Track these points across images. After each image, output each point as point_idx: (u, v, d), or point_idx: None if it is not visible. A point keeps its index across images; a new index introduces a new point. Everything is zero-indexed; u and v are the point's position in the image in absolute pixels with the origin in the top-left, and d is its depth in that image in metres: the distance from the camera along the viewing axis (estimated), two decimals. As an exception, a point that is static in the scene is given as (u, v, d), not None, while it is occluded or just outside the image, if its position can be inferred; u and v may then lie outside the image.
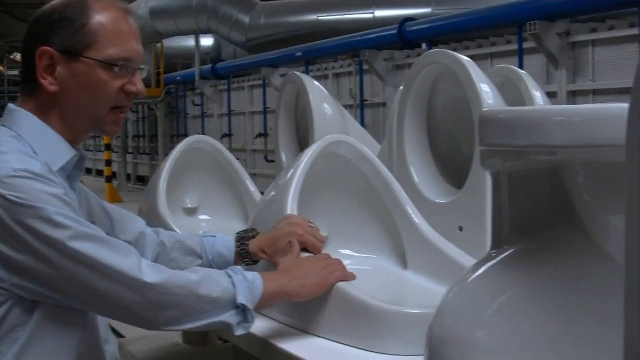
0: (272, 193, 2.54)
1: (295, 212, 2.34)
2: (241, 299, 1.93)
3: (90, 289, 1.83)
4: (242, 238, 2.33)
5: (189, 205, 3.46)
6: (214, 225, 3.39)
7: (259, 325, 2.29)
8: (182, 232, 2.98)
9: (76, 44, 1.97)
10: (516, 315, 1.36)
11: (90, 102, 2.01)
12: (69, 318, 1.91)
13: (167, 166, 3.27)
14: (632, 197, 0.91)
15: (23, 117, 1.99)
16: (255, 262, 2.32)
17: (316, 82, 3.56)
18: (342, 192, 2.56)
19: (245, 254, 2.31)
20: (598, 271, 1.32)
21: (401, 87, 3.00)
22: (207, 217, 3.46)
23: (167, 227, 3.03)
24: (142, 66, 2.07)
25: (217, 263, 2.30)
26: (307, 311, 2.17)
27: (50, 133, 1.99)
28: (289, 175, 2.44)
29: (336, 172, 2.54)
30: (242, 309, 1.94)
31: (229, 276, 1.97)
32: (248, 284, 1.96)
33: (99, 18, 1.99)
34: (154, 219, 3.18)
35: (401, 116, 2.92)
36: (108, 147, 20.10)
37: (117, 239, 1.95)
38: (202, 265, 2.29)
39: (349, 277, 2.12)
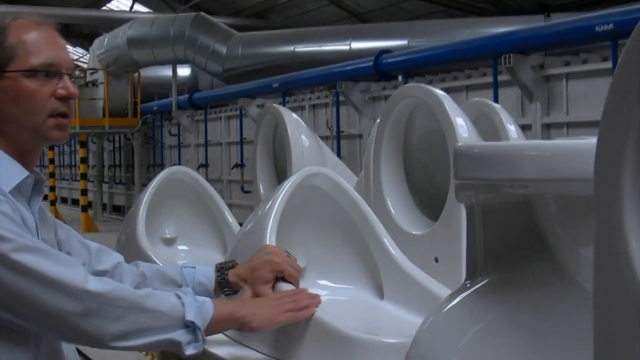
0: (251, 224, 2.57)
1: (273, 243, 2.37)
2: (190, 317, 1.93)
3: (33, 302, 1.83)
4: (222, 268, 2.34)
5: (168, 236, 3.49)
6: (193, 255, 3.42)
7: (236, 354, 2.32)
8: (161, 262, 3.01)
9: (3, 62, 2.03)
10: (490, 344, 1.40)
11: (25, 115, 2.01)
12: (17, 338, 1.90)
13: (146, 196, 3.29)
14: (600, 230, 0.95)
15: None
16: (235, 292, 2.32)
17: (294, 114, 3.60)
18: (320, 223, 2.60)
19: (225, 283, 2.31)
20: (569, 300, 1.37)
21: (378, 120, 3.05)
22: (186, 247, 3.49)
23: (146, 257, 3.05)
24: (71, 71, 2.07)
25: (198, 292, 2.25)
26: (285, 340, 2.20)
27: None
28: (267, 206, 2.47)
29: (314, 203, 2.57)
30: (192, 328, 1.94)
31: (178, 296, 1.98)
32: (198, 304, 1.98)
33: (16, 34, 2.03)
34: (132, 249, 3.20)
35: (378, 149, 2.96)
36: (84, 176, 20.06)
37: (63, 253, 1.98)
38: None
39: (300, 316, 2.12)
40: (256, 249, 2.39)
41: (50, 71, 2.02)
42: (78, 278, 1.85)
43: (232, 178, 16.12)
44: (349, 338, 2.04)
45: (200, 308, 1.97)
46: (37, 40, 2.04)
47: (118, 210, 22.75)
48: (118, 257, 2.37)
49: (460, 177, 1.45)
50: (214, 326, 2.01)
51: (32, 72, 2.01)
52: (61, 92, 2.02)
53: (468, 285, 1.50)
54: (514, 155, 1.35)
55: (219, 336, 2.31)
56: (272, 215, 2.41)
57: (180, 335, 1.93)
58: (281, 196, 2.45)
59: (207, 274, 2.33)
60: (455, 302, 1.50)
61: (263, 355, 2.26)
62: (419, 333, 1.53)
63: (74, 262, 1.93)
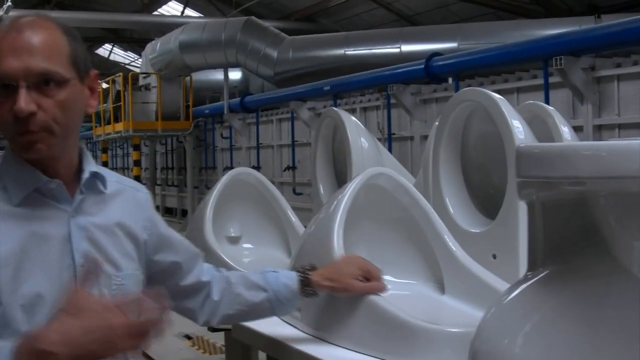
0: (318, 222, 2.69)
1: (341, 240, 2.48)
2: None
3: None
4: (304, 269, 2.41)
5: (233, 234, 3.62)
6: (257, 253, 3.55)
7: (294, 337, 2.47)
8: (228, 259, 3.15)
9: None
10: (550, 332, 1.50)
11: (4, 134, 1.96)
12: None
13: (212, 196, 3.43)
14: None
15: (4, 154, 2.04)
16: (315, 293, 2.40)
17: (353, 117, 3.71)
18: (383, 221, 2.72)
19: (307, 283, 2.38)
20: (623, 290, 1.46)
21: (436, 123, 3.16)
22: (250, 246, 3.62)
23: (214, 255, 3.20)
24: (34, 80, 1.89)
25: (283, 294, 2.37)
26: (351, 330, 2.32)
27: (17, 163, 1.99)
28: (334, 205, 2.60)
29: (377, 202, 2.69)
30: None
31: None
32: None
33: None
34: (200, 247, 3.33)
35: (437, 150, 3.07)
36: (137, 178, 20.28)
37: None
38: (267, 298, 2.37)
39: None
40: (324, 246, 2.51)
41: (7, 85, 1.89)
42: None
43: (283, 180, 16.21)
44: (414, 328, 2.16)
45: None
46: None
47: (170, 212, 22.97)
48: (210, 266, 2.43)
49: (522, 175, 1.55)
50: None
51: None
52: (14, 109, 1.87)
53: (529, 277, 1.60)
54: (571, 155, 1.44)
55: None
56: (339, 213, 2.53)
57: None
58: (347, 195, 2.58)
59: (290, 276, 2.40)
60: (517, 292, 1.60)
61: (331, 344, 2.38)
62: (483, 322, 1.62)
63: None
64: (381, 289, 2.35)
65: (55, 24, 2.00)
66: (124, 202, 2.16)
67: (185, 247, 2.33)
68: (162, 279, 2.25)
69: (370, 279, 2.37)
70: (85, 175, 2.05)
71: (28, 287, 1.92)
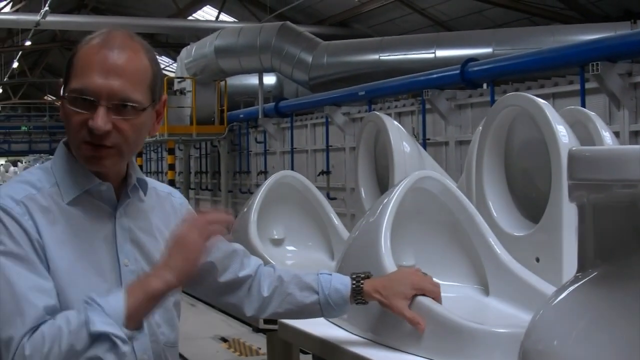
0: (365, 225, 2.73)
1: (388, 243, 2.52)
2: (97, 327, 1.86)
3: None
4: (358, 277, 2.41)
5: (276, 237, 3.67)
6: (300, 256, 3.60)
7: (343, 339, 2.50)
8: (273, 261, 3.19)
9: (63, 80, 2.06)
10: (601, 332, 1.53)
11: (68, 137, 2.07)
12: None
13: (257, 199, 3.49)
14: None
15: (57, 149, 2.14)
16: (366, 302, 2.40)
17: (395, 122, 3.75)
18: (429, 224, 2.75)
19: (359, 292, 2.39)
20: None
21: (480, 128, 3.19)
22: (293, 248, 3.67)
23: (259, 257, 3.24)
24: (114, 102, 2.00)
25: (334, 299, 2.39)
26: (398, 329, 2.35)
27: (71, 161, 2.09)
28: (380, 208, 2.64)
29: (423, 205, 2.73)
30: (106, 335, 1.86)
31: (81, 314, 1.89)
32: (103, 307, 1.88)
33: (78, 54, 2.04)
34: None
35: (480, 155, 3.10)
36: (171, 182, 20.43)
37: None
38: (318, 300, 2.40)
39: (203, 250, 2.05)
40: (371, 249, 2.54)
41: (86, 99, 1.99)
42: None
43: (318, 185, 16.18)
44: (462, 328, 2.19)
45: (107, 310, 1.88)
46: (85, 63, 2.01)
47: (204, 216, 23.03)
48: (258, 260, 2.49)
49: (573, 178, 1.58)
50: (137, 313, 1.93)
51: (72, 96, 2.01)
52: (90, 123, 1.98)
53: (579, 277, 1.63)
54: (622, 159, 1.47)
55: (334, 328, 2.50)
56: (386, 216, 2.57)
57: (100, 350, 1.86)
58: (394, 199, 2.62)
59: (343, 281, 2.41)
60: (567, 293, 1.63)
61: (379, 345, 2.42)
62: (533, 322, 1.65)
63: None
64: (420, 323, 2.29)
65: (143, 46, 2.09)
66: (162, 208, 2.27)
67: (220, 246, 2.36)
68: (198, 278, 2.29)
69: (427, 295, 2.36)
70: (133, 181, 2.15)
71: (83, 282, 2.01)
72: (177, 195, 2.37)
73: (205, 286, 2.40)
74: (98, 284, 2.02)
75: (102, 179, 2.09)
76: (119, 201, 2.13)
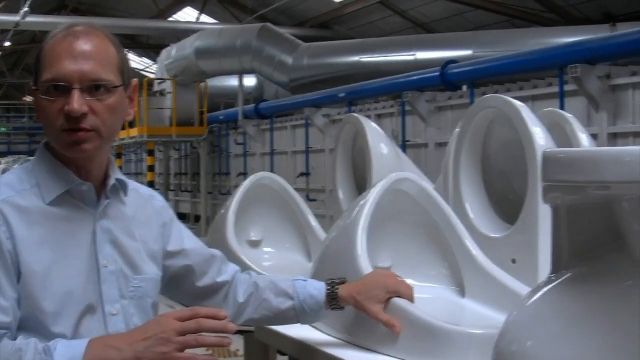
0: (341, 227, 2.73)
1: (364, 244, 2.52)
2: None
3: None
4: (333, 282, 2.42)
5: (254, 238, 3.67)
6: (277, 258, 3.59)
7: (319, 341, 2.50)
8: (250, 263, 3.19)
9: (34, 76, 2.09)
10: (574, 332, 1.53)
11: (45, 129, 2.08)
12: None
13: (235, 200, 3.48)
14: None
15: (38, 150, 2.17)
16: (342, 308, 2.42)
17: (373, 123, 3.75)
18: (405, 225, 2.75)
19: (334, 297, 2.40)
20: None
21: (457, 129, 3.19)
22: (271, 250, 3.66)
23: (236, 258, 3.24)
24: (87, 84, 2.03)
25: (309, 304, 2.41)
26: (369, 328, 2.35)
27: (52, 162, 2.11)
28: (357, 210, 2.64)
29: (400, 207, 2.73)
30: None
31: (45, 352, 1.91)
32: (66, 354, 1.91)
33: (44, 48, 2.07)
34: (221, 250, 3.39)
35: (457, 156, 3.11)
36: (151, 184, 20.38)
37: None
38: (293, 306, 2.41)
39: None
40: (347, 251, 2.54)
41: (59, 86, 2.03)
42: None
43: (297, 186, 16.20)
44: (437, 329, 2.19)
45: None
46: (53, 54, 2.05)
47: (183, 217, 22.97)
48: (235, 267, 2.50)
49: (547, 179, 1.59)
50: None
51: (44, 87, 2.04)
52: (65, 108, 2.01)
53: (553, 278, 1.63)
54: (596, 160, 1.48)
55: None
56: (362, 218, 2.57)
57: None
58: (371, 200, 2.62)
59: (318, 287, 2.42)
60: (541, 293, 1.63)
61: (353, 345, 2.42)
62: (507, 323, 1.65)
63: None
64: (396, 326, 2.30)
65: (106, 34, 2.14)
66: (142, 210, 2.27)
67: (199, 251, 2.40)
68: (176, 281, 2.36)
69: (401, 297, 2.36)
70: (112, 181, 2.16)
71: (59, 284, 2.02)
72: (158, 198, 2.39)
73: (182, 290, 2.41)
74: (76, 285, 2.04)
75: (82, 178, 2.10)
76: (99, 202, 2.13)
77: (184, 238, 2.38)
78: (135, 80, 2.22)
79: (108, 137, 2.10)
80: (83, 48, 2.05)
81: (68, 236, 2.07)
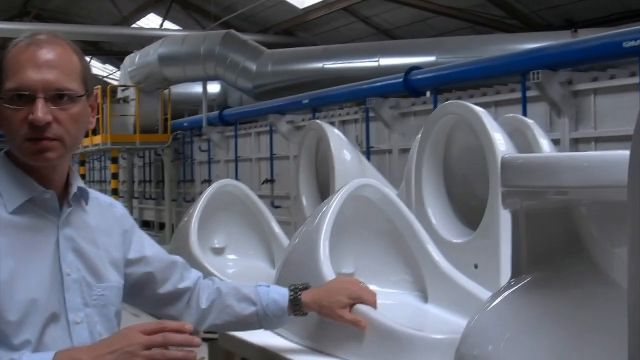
0: (304, 234, 2.74)
1: (327, 251, 2.52)
2: None
3: None
4: (296, 289, 2.43)
5: (217, 245, 3.66)
6: (241, 265, 3.59)
7: (283, 347, 2.51)
8: (213, 270, 3.18)
9: None
10: (534, 336, 1.55)
11: (8, 139, 2.06)
12: None
13: (198, 208, 3.48)
14: (634, 231, 1.10)
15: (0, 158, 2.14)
16: (305, 314, 2.43)
17: (336, 130, 3.76)
18: (368, 231, 2.77)
19: (297, 303, 2.41)
20: (605, 296, 1.51)
21: (419, 135, 3.21)
22: (234, 257, 3.66)
23: (200, 266, 3.24)
24: (51, 94, 2.03)
25: (272, 310, 2.42)
26: (333, 334, 2.36)
27: (13, 171, 2.09)
28: (319, 216, 2.64)
29: (362, 213, 2.74)
30: None
31: None
32: None
33: (7, 57, 2.06)
34: (185, 258, 3.38)
35: (419, 162, 3.12)
36: (115, 191, 20.30)
37: None
38: (256, 312, 2.42)
39: None
40: (310, 257, 2.55)
41: (23, 95, 2.01)
42: None
43: (262, 193, 16.18)
44: (398, 334, 2.21)
45: None
46: (16, 63, 2.04)
47: (148, 225, 22.90)
48: (197, 273, 2.49)
49: (506, 185, 1.60)
50: None
51: (8, 96, 2.02)
52: (29, 117, 2.00)
53: (513, 283, 1.65)
54: (555, 165, 1.50)
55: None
56: (325, 224, 2.58)
57: None
58: (333, 206, 2.62)
59: (281, 293, 2.43)
60: (501, 298, 1.65)
61: (318, 352, 2.42)
62: (468, 328, 1.67)
63: None
64: (362, 321, 2.32)
65: (69, 43, 2.13)
66: (103, 218, 2.27)
67: (160, 257, 2.39)
68: (137, 289, 2.35)
69: (365, 303, 2.38)
70: (74, 189, 2.15)
71: (23, 294, 2.00)
72: (118, 206, 2.38)
73: (144, 297, 2.41)
74: (40, 294, 2.02)
75: (44, 186, 2.09)
76: (61, 210, 2.13)
77: (145, 245, 2.37)
78: (96, 89, 2.22)
79: (71, 146, 2.10)
80: (47, 57, 2.05)
81: (31, 245, 2.06)
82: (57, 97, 2.04)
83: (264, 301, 2.42)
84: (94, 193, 2.28)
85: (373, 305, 2.38)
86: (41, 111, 2.00)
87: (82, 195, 2.19)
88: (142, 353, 1.90)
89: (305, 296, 2.41)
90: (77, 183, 2.18)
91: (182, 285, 2.41)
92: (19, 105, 2.02)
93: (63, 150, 2.06)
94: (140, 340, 1.92)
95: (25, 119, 2.01)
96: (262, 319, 2.43)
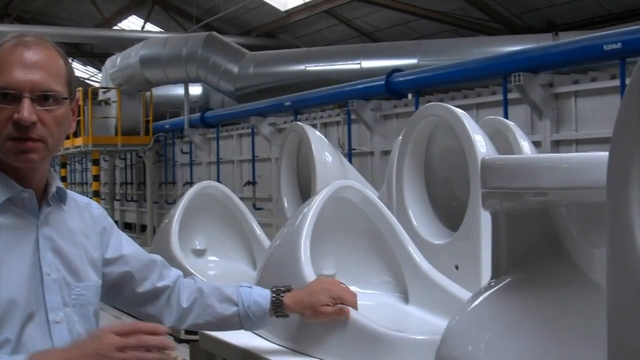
0: (285, 235, 2.73)
1: (307, 252, 2.52)
2: None
3: None
4: (278, 290, 2.43)
5: (198, 247, 3.66)
6: (222, 266, 3.59)
7: (264, 348, 2.51)
8: (194, 272, 3.18)
9: None
10: (514, 336, 1.56)
11: None
12: None
13: (179, 210, 3.47)
14: (613, 232, 1.11)
15: None
16: (287, 315, 2.43)
17: (317, 132, 3.77)
18: (349, 233, 2.77)
19: (279, 305, 2.41)
20: (584, 296, 1.52)
21: (400, 137, 3.22)
22: (216, 259, 3.66)
23: (180, 267, 3.23)
24: (37, 94, 2.02)
25: (253, 311, 2.41)
26: (315, 336, 2.36)
27: None
28: (300, 218, 2.64)
29: (343, 215, 2.74)
30: None
31: None
32: None
33: None
34: (166, 259, 3.37)
35: (400, 164, 3.13)
36: (97, 193, 20.26)
37: None
38: (238, 313, 2.42)
39: None
40: (291, 259, 2.55)
41: (9, 94, 2.01)
42: None
43: (243, 195, 16.17)
44: (379, 335, 2.21)
45: None
46: (3, 63, 2.04)
47: (129, 227, 22.86)
48: (177, 272, 2.48)
49: (486, 186, 1.61)
50: None
51: None
52: (15, 116, 1.99)
53: (493, 284, 1.66)
54: (534, 167, 1.51)
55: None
56: (306, 226, 2.58)
57: None
58: (314, 208, 2.62)
59: (263, 294, 2.43)
60: (481, 299, 1.66)
61: (299, 354, 2.42)
62: (448, 329, 1.67)
63: None
64: (345, 310, 2.35)
65: (54, 47, 2.14)
66: (81, 217, 2.26)
67: (138, 256, 2.38)
68: (116, 288, 2.34)
69: (345, 304, 2.38)
70: (53, 189, 2.14)
71: (3, 293, 1.99)
72: (95, 206, 2.37)
73: (123, 296, 2.40)
74: (20, 293, 2.01)
75: (24, 187, 2.08)
76: (40, 210, 2.12)
77: (123, 244, 2.37)
78: (79, 95, 2.23)
79: (53, 149, 2.10)
80: (34, 59, 2.05)
81: (10, 245, 2.05)
82: (43, 98, 2.04)
83: (245, 302, 2.41)
84: (71, 194, 2.27)
85: (354, 306, 2.38)
86: (27, 111, 2.00)
87: (61, 196, 2.19)
88: (115, 355, 1.88)
89: (287, 298, 2.41)
90: (56, 183, 2.17)
91: (161, 284, 2.40)
92: (4, 104, 2.01)
93: (46, 152, 2.06)
94: (113, 342, 1.90)
95: (9, 118, 2.00)
96: (243, 320, 2.43)
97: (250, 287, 2.46)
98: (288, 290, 2.43)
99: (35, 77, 2.03)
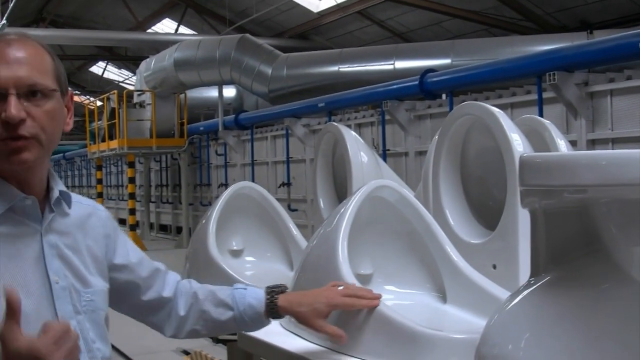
0: (322, 235, 2.74)
1: (345, 253, 2.52)
2: None
3: None
4: (272, 292, 2.41)
5: (235, 248, 3.67)
6: (259, 267, 3.60)
7: (302, 348, 2.50)
8: (231, 272, 3.19)
9: None
10: (554, 336, 1.55)
11: None
12: None
13: (215, 210, 3.48)
14: None
15: None
16: (282, 316, 2.42)
17: (353, 132, 3.77)
18: (386, 233, 2.77)
19: (273, 307, 2.39)
20: (624, 295, 1.51)
21: (436, 137, 3.21)
22: (252, 259, 3.66)
23: (218, 268, 3.25)
24: (24, 90, 1.95)
25: (248, 314, 2.39)
26: (352, 334, 2.35)
27: None
28: (337, 218, 2.65)
29: (380, 214, 2.74)
30: None
31: None
32: None
33: None
34: (203, 260, 3.40)
35: (436, 163, 3.13)
36: (132, 196, 20.40)
37: None
38: (233, 317, 2.40)
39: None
40: (328, 259, 2.55)
41: None
42: None
43: (278, 197, 16.20)
44: (418, 334, 2.20)
45: None
46: None
47: (165, 229, 23.00)
48: (176, 277, 2.45)
49: (525, 184, 1.60)
50: None
51: None
52: (2, 115, 1.92)
53: (532, 283, 1.65)
54: (573, 164, 1.50)
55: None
56: (343, 226, 2.58)
57: None
58: (351, 208, 2.63)
59: (257, 296, 2.40)
60: (520, 297, 1.65)
61: (338, 353, 2.42)
62: (488, 327, 1.67)
63: None
64: (342, 336, 2.33)
65: (40, 43, 2.07)
66: (86, 221, 2.20)
67: (144, 264, 2.36)
68: (121, 295, 2.31)
69: (342, 309, 2.37)
70: (55, 194, 2.09)
71: None
72: (100, 209, 2.30)
73: (128, 304, 2.36)
74: (30, 307, 1.93)
75: (25, 192, 2.02)
76: (43, 216, 2.06)
77: (129, 251, 2.33)
78: (71, 92, 2.16)
79: (48, 146, 2.02)
80: (17, 55, 1.98)
81: (15, 255, 1.98)
82: (30, 93, 1.97)
83: (240, 306, 2.39)
84: (76, 197, 2.21)
85: (350, 307, 2.36)
86: (14, 108, 1.93)
87: (65, 200, 2.13)
88: None
89: (281, 300, 2.39)
90: (58, 187, 2.11)
91: (165, 294, 2.38)
92: None
93: (40, 149, 1.99)
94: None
95: None
96: (239, 324, 2.41)
97: (245, 289, 2.44)
98: (283, 292, 2.41)
99: (19, 72, 1.96)
